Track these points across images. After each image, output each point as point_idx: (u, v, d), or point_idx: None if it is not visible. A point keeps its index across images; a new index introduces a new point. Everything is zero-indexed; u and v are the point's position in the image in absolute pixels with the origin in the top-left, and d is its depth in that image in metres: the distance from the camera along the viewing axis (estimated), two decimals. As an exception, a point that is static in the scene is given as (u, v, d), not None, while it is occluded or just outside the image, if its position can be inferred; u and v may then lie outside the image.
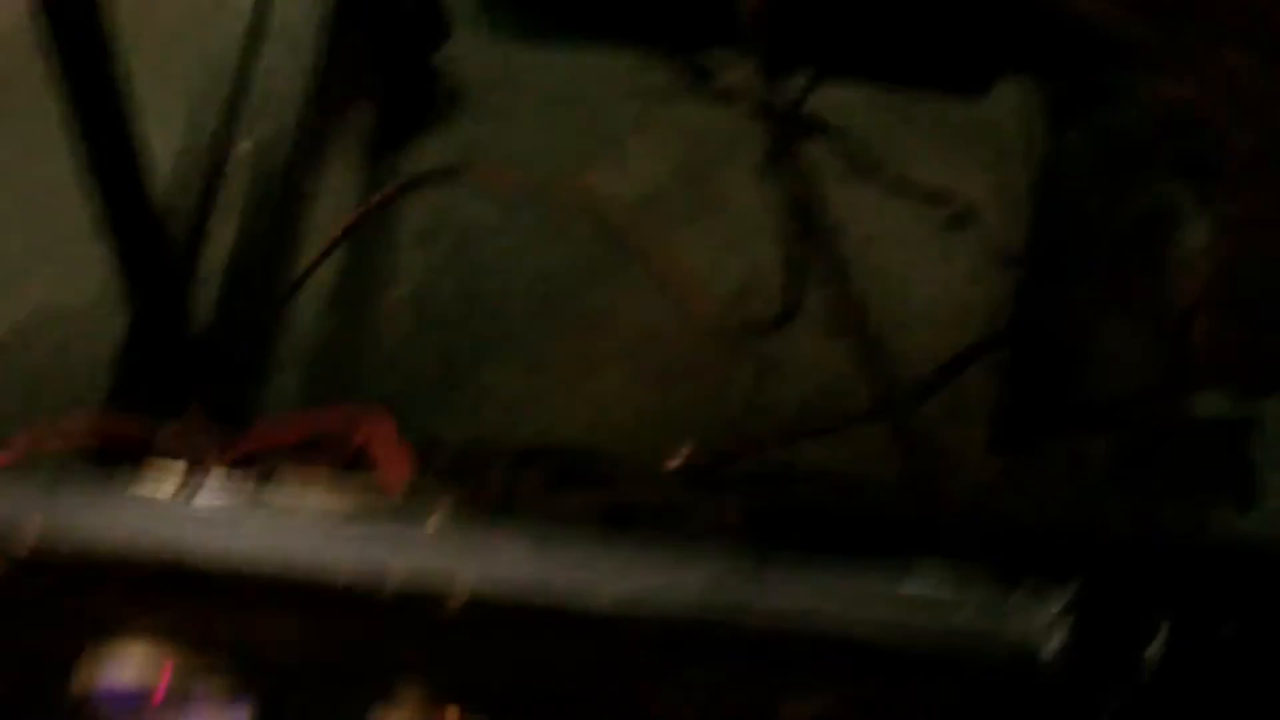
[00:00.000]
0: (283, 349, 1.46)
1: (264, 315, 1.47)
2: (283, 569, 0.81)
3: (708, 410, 1.47)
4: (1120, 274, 1.36)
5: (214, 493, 0.85)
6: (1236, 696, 0.99)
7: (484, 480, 1.11)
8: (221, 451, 0.95)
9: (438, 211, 1.59)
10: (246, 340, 1.44)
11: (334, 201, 1.57)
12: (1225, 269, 1.26)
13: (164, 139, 1.46)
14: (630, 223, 1.51)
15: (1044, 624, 0.78)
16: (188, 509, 0.83)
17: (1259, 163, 1.18)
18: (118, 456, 0.97)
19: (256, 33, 1.54)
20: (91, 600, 0.84)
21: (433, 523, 0.82)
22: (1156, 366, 1.34)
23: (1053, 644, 0.78)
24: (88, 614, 0.85)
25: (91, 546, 0.82)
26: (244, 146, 1.53)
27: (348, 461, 0.94)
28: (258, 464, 0.93)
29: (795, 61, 1.20)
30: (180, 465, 0.91)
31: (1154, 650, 0.77)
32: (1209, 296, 1.29)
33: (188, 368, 1.38)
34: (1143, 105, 1.28)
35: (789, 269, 1.22)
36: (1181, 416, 1.34)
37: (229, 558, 0.82)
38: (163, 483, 0.87)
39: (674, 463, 1.30)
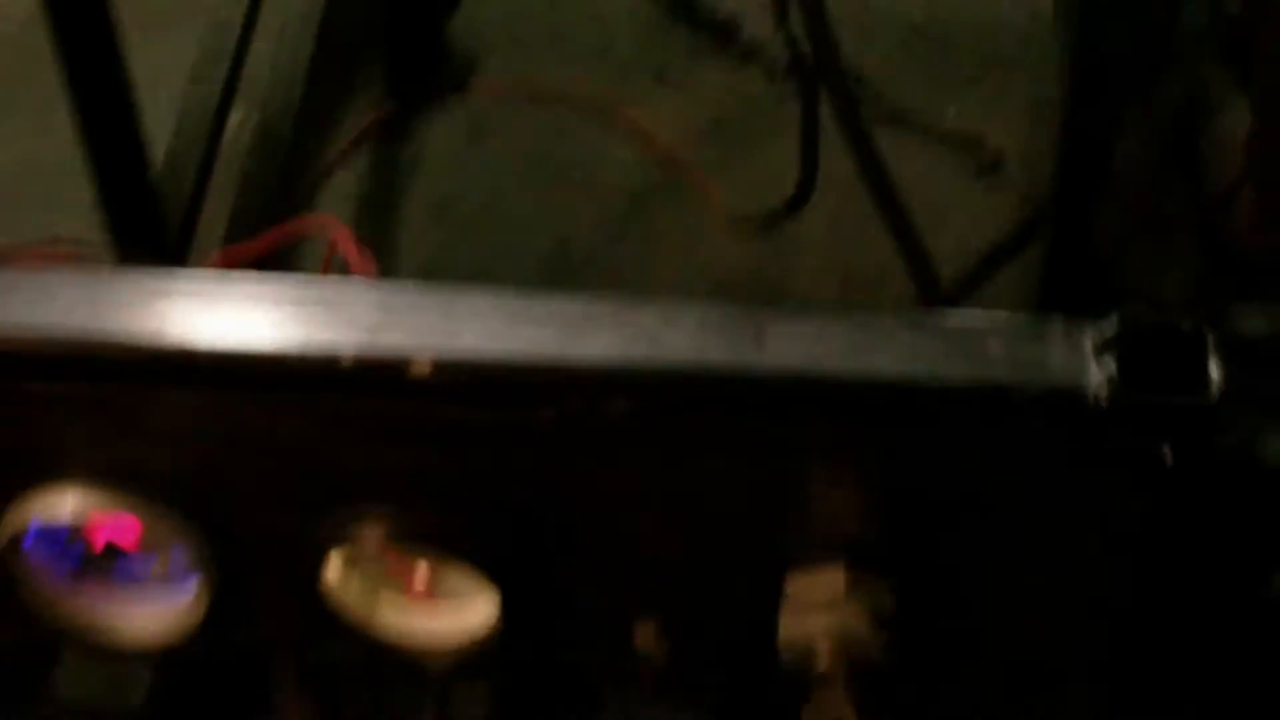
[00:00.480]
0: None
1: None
2: (222, 345, 0.70)
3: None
4: (1157, 169, 1.25)
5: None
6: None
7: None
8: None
9: (451, 185, 1.49)
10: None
11: (346, 177, 1.47)
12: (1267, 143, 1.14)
13: (163, 113, 1.39)
14: (653, 180, 1.41)
15: (1088, 350, 0.66)
16: (128, 285, 0.72)
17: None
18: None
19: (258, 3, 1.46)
20: (16, 405, 0.72)
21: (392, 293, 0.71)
22: (1195, 268, 1.23)
23: (1099, 373, 0.65)
24: (14, 428, 0.74)
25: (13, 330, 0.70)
26: (241, 119, 1.44)
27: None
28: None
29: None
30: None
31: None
32: (1251, 175, 1.17)
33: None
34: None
35: (804, 155, 1.11)
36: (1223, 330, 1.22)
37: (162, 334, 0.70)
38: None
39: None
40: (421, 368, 0.69)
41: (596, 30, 1.54)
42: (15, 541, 0.76)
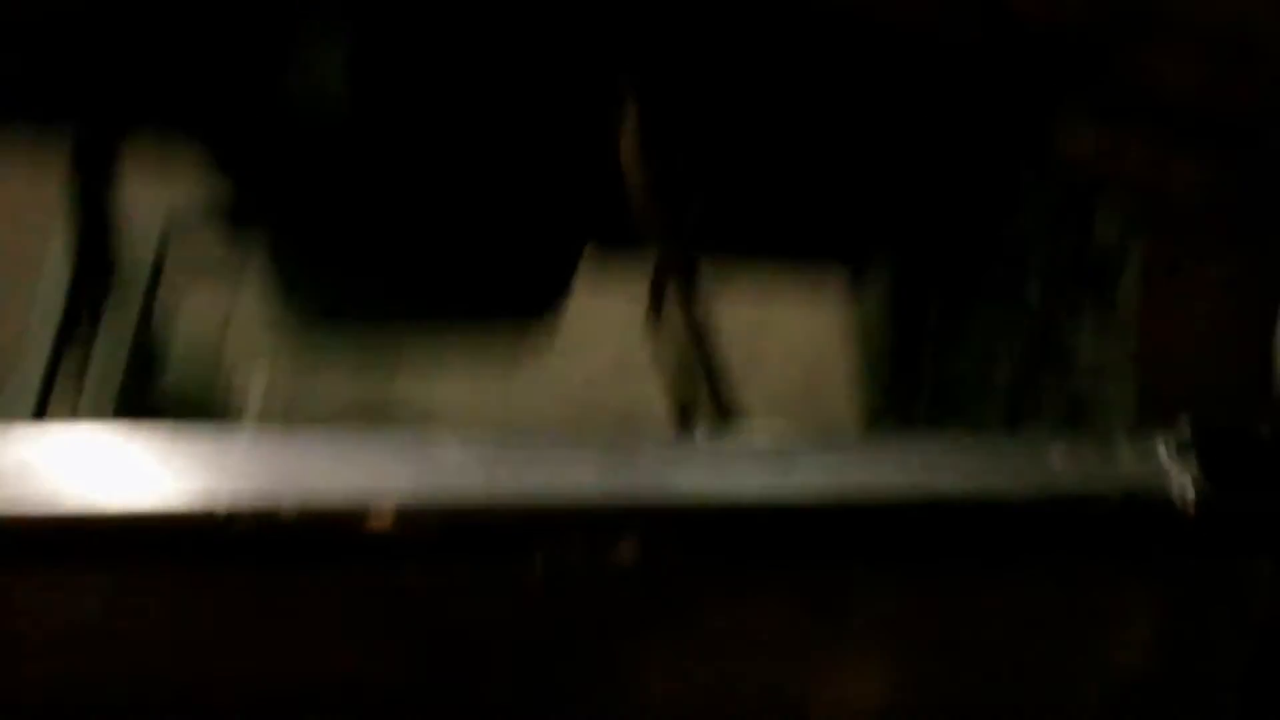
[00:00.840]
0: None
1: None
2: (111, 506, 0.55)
3: None
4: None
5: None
6: None
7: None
8: None
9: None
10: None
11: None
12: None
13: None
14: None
15: (1163, 456, 0.56)
16: None
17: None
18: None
19: None
20: None
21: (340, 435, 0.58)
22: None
23: (1181, 477, 0.56)
24: None
25: None
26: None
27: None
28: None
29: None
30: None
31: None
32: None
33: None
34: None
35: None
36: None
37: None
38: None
39: None
40: (382, 518, 0.55)
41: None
42: None
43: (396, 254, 1.18)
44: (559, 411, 1.49)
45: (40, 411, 1.30)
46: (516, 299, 1.20)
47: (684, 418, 1.01)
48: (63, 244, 1.33)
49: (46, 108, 1.07)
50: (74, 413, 1.32)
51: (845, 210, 1.09)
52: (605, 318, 1.04)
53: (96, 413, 1.31)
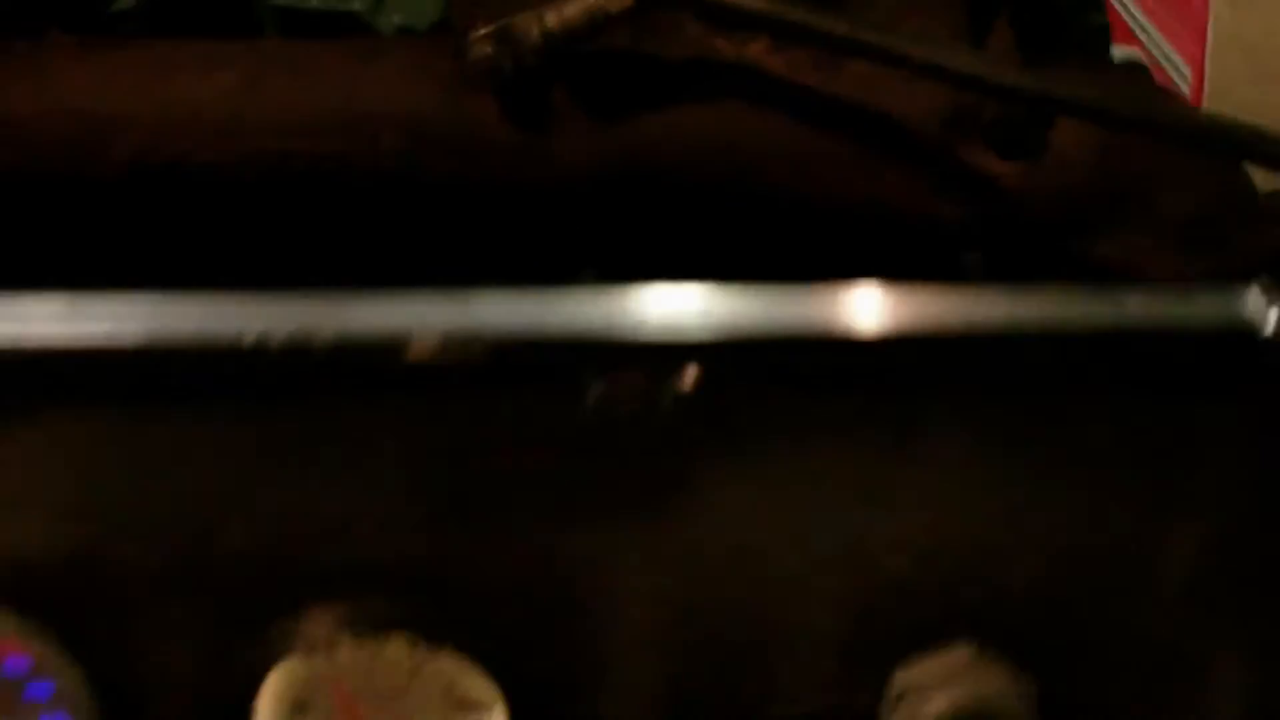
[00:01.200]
0: None
1: None
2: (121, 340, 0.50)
3: None
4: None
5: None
6: None
7: None
8: None
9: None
10: None
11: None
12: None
13: None
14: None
15: (1244, 297, 0.54)
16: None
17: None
18: None
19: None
20: None
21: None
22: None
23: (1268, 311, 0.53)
24: None
25: None
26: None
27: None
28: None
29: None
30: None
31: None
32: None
33: None
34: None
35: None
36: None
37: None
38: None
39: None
40: (425, 346, 0.51)
41: None
42: None
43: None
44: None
45: None
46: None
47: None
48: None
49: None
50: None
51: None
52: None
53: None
